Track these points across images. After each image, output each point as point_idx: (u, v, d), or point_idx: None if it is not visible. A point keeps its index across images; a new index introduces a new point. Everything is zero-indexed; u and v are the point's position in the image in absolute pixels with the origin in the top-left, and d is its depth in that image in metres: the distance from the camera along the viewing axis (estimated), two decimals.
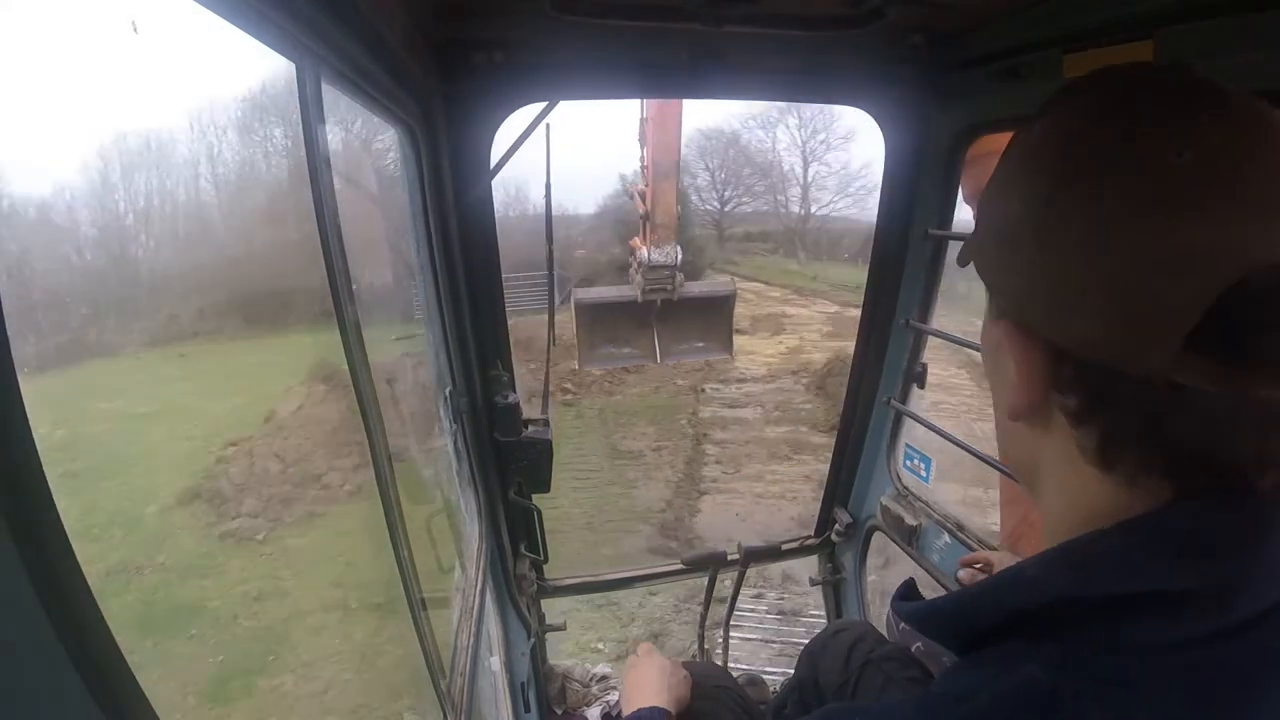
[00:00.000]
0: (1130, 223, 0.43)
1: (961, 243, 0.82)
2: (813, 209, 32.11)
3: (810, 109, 29.61)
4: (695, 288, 9.81)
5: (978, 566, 1.39)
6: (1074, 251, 0.46)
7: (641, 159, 9.29)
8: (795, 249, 29.49)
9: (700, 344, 9.56)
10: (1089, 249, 0.45)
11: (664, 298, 9.06)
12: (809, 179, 31.91)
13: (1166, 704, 0.43)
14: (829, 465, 2.26)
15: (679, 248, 8.90)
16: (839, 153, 32.95)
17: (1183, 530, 0.46)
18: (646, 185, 8.93)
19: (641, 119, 8.94)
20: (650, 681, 1.24)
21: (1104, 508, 0.49)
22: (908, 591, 0.69)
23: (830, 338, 16.13)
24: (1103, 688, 0.43)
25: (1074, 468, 0.50)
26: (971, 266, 0.61)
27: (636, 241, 9.31)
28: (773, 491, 8.37)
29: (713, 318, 9.60)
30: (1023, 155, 0.53)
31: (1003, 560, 1.37)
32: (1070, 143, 0.49)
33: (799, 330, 17.08)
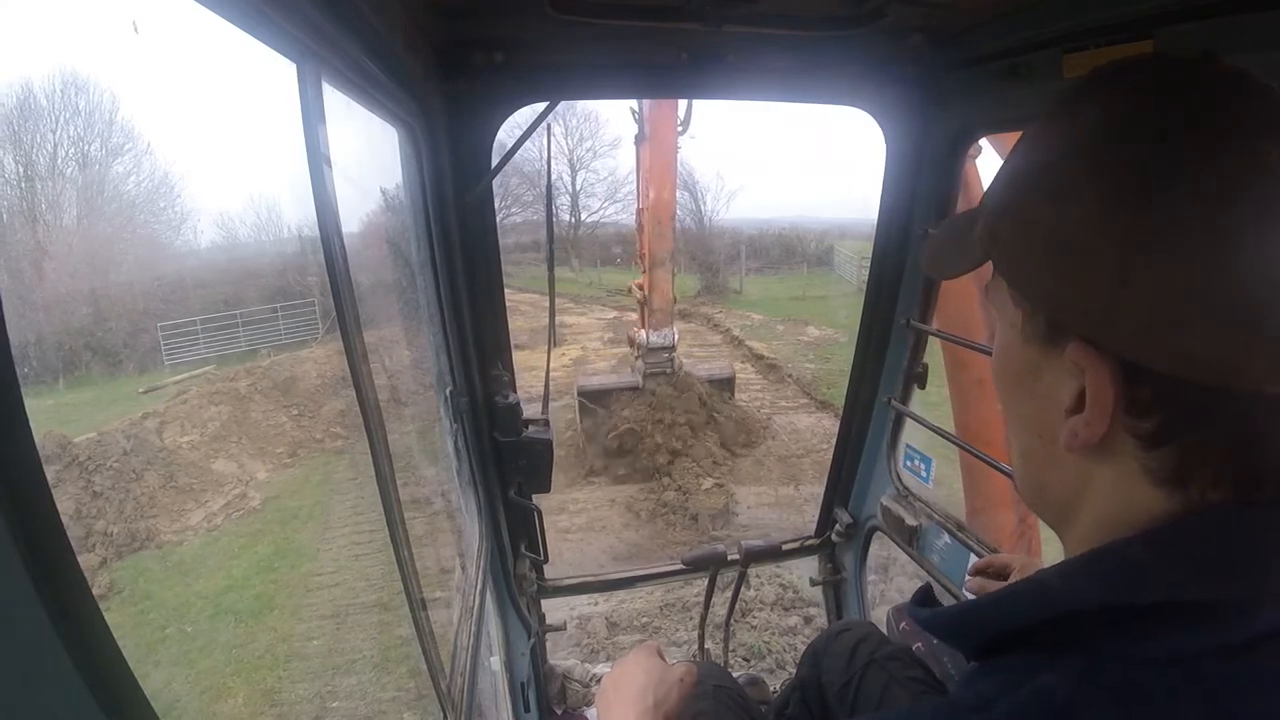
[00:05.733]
0: (1245, 227, 0.40)
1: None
2: (583, 216, 32.71)
3: (575, 117, 30.52)
4: (698, 371, 10.17)
5: (990, 572, 1.27)
6: (1180, 261, 0.41)
7: (637, 212, 9.29)
8: (568, 257, 29.49)
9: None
10: (1199, 258, 0.41)
11: (664, 379, 9.49)
12: (577, 187, 32.52)
13: (1184, 717, 0.42)
14: (829, 465, 2.26)
15: (676, 330, 9.30)
16: (606, 159, 33.19)
17: (1210, 541, 0.45)
18: (644, 272, 9.25)
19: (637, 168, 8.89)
20: (632, 688, 0.97)
21: (1144, 522, 0.47)
22: (924, 598, 0.68)
23: (613, 344, 15.89)
24: (1120, 699, 0.43)
25: (1132, 491, 0.47)
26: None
27: (635, 332, 9.72)
28: (578, 524, 7.92)
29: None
30: (1086, 148, 0.46)
31: (1021, 565, 1.27)
32: (1156, 136, 0.43)
33: (580, 339, 16.82)
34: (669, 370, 9.46)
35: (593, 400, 9.54)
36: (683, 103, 7.36)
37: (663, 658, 1.05)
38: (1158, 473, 0.46)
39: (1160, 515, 0.46)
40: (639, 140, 8.68)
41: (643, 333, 9.37)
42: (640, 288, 9.45)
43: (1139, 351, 0.43)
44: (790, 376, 13.97)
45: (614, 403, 9.46)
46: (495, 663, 1.77)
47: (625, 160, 30.42)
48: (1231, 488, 0.45)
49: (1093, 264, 0.44)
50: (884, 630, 1.61)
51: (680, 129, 8.05)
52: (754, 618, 5.17)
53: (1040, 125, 0.51)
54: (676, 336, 9.44)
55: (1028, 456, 0.55)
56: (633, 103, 8.37)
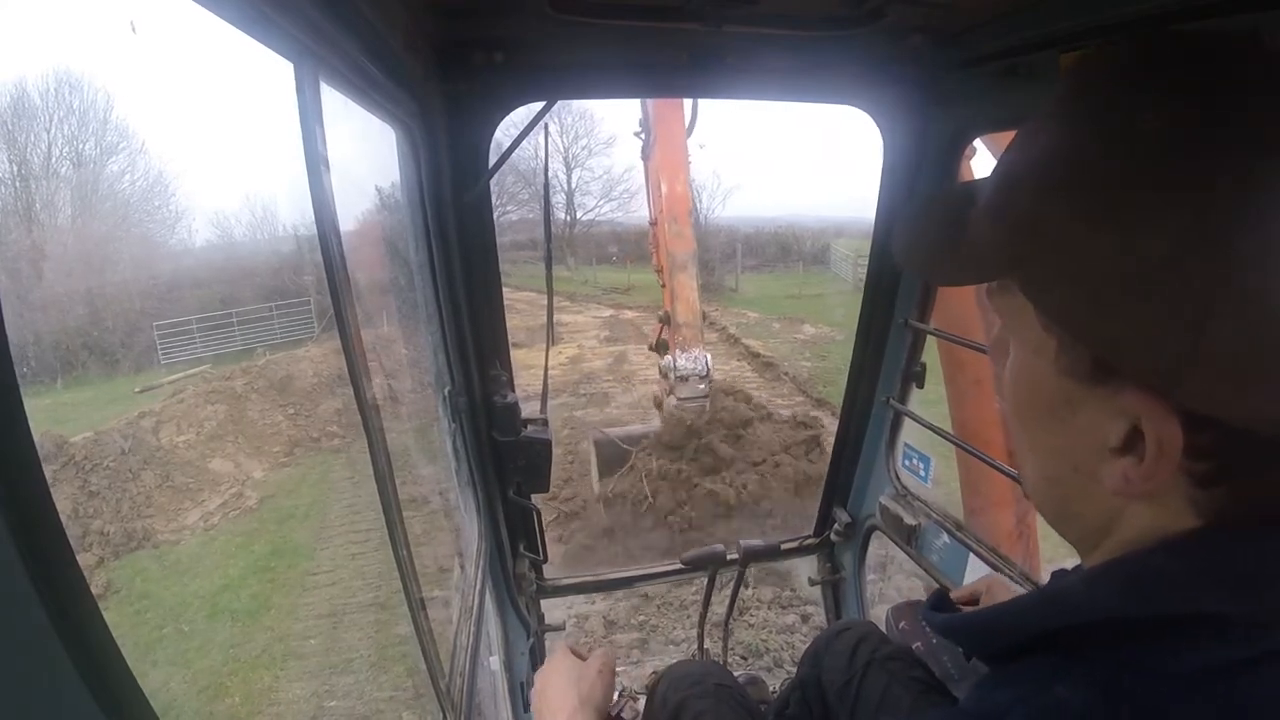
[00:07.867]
0: None
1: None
2: (579, 214, 32.79)
3: (570, 115, 30.54)
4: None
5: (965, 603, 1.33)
6: (1269, 302, 0.36)
7: (650, 217, 8.24)
8: (564, 255, 29.30)
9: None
10: None
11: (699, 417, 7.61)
12: (573, 185, 32.56)
13: None
14: (828, 464, 2.27)
15: (708, 354, 7.64)
16: (601, 158, 33.28)
17: (1230, 553, 0.44)
18: (664, 285, 7.86)
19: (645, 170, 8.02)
20: (555, 691, 0.98)
21: (1165, 538, 0.45)
22: (939, 602, 0.67)
23: (610, 343, 15.79)
24: (1137, 712, 0.42)
25: (1173, 520, 0.45)
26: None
27: (661, 363, 8.01)
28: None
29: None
30: (1141, 155, 0.38)
31: (993, 585, 1.35)
32: (1234, 141, 0.36)
33: (576, 338, 16.59)
34: (704, 408, 7.63)
35: (616, 459, 7.57)
36: (687, 105, 6.94)
37: (578, 654, 1.07)
38: (1203, 505, 0.44)
39: (1188, 534, 0.45)
40: (646, 154, 7.85)
41: (669, 357, 7.71)
42: (658, 349, 7.80)
43: (1214, 406, 0.39)
44: (786, 374, 13.97)
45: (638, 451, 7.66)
46: (495, 662, 1.77)
47: (620, 158, 30.80)
48: (1274, 520, 0.43)
49: (1161, 304, 0.37)
50: (883, 630, 1.61)
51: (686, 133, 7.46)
52: (752, 616, 5.19)
53: (1066, 119, 0.44)
54: (710, 361, 7.60)
55: (1055, 483, 0.51)
56: (636, 123, 7.87)
